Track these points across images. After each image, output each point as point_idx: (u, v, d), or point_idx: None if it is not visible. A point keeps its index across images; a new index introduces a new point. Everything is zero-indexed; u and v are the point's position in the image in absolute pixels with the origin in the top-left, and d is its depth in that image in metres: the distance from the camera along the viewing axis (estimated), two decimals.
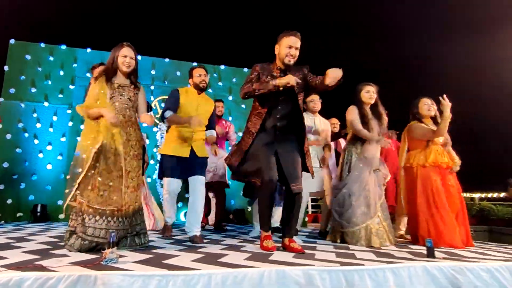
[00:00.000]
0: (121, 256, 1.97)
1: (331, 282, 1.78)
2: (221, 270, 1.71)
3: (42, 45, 5.94)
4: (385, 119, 3.37)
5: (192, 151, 3.17)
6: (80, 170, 2.33)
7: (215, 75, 6.85)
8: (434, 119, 3.54)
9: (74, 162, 2.40)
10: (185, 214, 4.90)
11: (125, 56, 2.52)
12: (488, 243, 3.51)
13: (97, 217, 2.27)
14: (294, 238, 2.76)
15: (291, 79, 2.53)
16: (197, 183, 3.14)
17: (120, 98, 2.49)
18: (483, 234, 7.52)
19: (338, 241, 3.21)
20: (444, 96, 3.24)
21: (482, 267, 2.06)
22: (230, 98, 6.84)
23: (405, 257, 2.32)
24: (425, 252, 2.35)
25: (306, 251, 2.54)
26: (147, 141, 5.58)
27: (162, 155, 3.37)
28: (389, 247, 3.00)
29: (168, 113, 3.14)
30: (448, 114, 3.23)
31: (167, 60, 6.62)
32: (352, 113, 3.34)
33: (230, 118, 6.71)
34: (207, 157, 3.35)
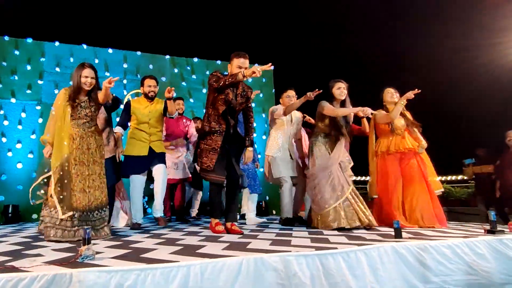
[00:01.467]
0: (97, 252, 1.96)
1: (307, 266, 1.84)
2: (200, 261, 1.72)
3: (6, 38, 5.68)
4: (352, 114, 3.67)
5: (150, 149, 3.71)
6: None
7: (188, 68, 6.78)
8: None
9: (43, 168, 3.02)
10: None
11: (86, 77, 2.92)
12: (448, 222, 3.73)
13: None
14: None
15: (256, 69, 2.80)
16: (158, 171, 3.71)
17: (79, 116, 2.94)
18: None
19: (315, 225, 3.41)
20: (416, 90, 3.58)
21: (444, 244, 2.20)
22: (204, 91, 6.80)
23: (374, 238, 2.43)
24: (393, 233, 2.47)
25: (283, 238, 2.61)
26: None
27: (124, 156, 3.74)
28: (360, 229, 3.19)
29: (117, 129, 3.77)
30: (402, 102, 3.61)
31: (139, 53, 6.49)
32: (324, 104, 3.57)
33: (204, 111, 6.68)
34: (165, 152, 3.86)
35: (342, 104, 3.61)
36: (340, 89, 3.57)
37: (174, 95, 3.55)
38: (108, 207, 3.01)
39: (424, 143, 3.73)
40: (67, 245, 2.44)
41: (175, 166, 4.51)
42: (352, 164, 3.62)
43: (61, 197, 2.76)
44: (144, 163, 3.70)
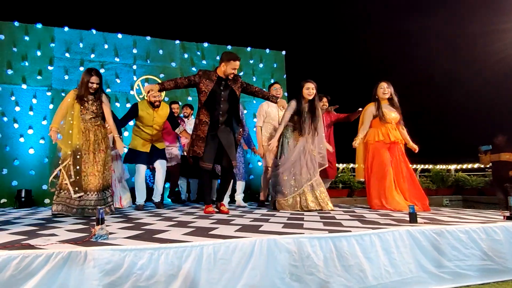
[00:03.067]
0: (110, 233, 1.97)
1: (321, 248, 1.83)
2: (213, 241, 1.72)
3: (16, 23, 5.68)
4: (320, 112, 4.02)
5: (152, 146, 4.26)
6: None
7: (198, 53, 6.72)
8: (390, 100, 4.03)
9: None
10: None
11: (92, 83, 3.49)
12: (465, 209, 3.68)
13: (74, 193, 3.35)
14: None
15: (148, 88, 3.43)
16: (158, 166, 4.30)
17: (86, 112, 3.51)
18: (457, 203, 7.81)
19: (272, 207, 3.99)
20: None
21: (460, 229, 2.15)
22: None
23: (389, 223, 2.39)
24: (407, 218, 2.43)
25: (295, 222, 2.60)
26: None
27: (129, 148, 4.30)
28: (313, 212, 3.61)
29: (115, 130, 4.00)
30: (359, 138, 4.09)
31: (148, 38, 6.44)
32: (288, 107, 3.91)
33: None
34: (164, 148, 4.44)
35: (311, 103, 3.93)
36: (309, 90, 3.88)
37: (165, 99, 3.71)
38: (108, 190, 3.57)
39: (415, 146, 4.04)
40: (81, 226, 2.46)
41: (170, 155, 5.03)
42: (322, 154, 3.98)
43: (72, 180, 3.33)
44: (147, 157, 4.23)
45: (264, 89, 3.69)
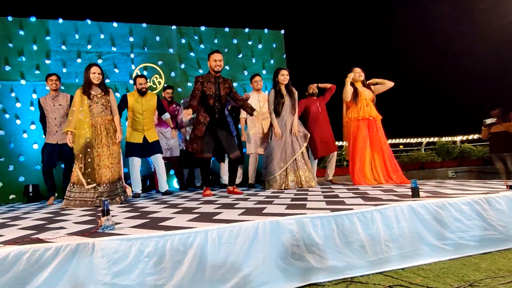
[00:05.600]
0: (117, 223, 2.01)
1: (322, 227, 1.86)
2: (217, 226, 1.75)
3: (10, 18, 5.63)
4: (295, 93, 4.56)
5: (144, 138, 4.46)
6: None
7: (195, 37, 6.64)
8: (363, 82, 4.55)
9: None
10: (176, 182, 5.93)
11: (94, 73, 3.62)
12: (469, 180, 3.69)
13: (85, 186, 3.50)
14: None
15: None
16: (156, 159, 4.59)
17: (96, 105, 3.64)
18: (463, 174, 7.81)
19: (262, 187, 4.52)
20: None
21: (463, 201, 2.17)
22: None
23: (391, 199, 2.41)
24: (410, 193, 2.45)
25: (298, 202, 2.63)
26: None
27: (126, 142, 4.51)
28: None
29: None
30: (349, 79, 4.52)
31: (144, 25, 6.36)
32: (269, 96, 4.50)
33: None
34: (158, 140, 4.60)
35: (287, 86, 4.52)
36: (284, 76, 4.46)
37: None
38: (120, 180, 3.72)
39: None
40: (88, 218, 2.52)
41: (169, 146, 5.28)
42: (302, 130, 4.53)
43: (85, 171, 3.49)
44: (141, 149, 4.48)
45: (242, 97, 4.21)
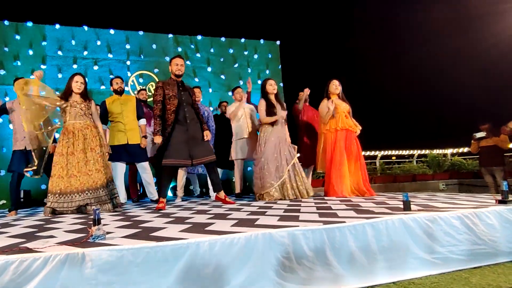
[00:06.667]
0: (108, 232, 1.99)
1: (314, 240, 1.86)
2: (208, 237, 1.75)
3: (6, 22, 5.63)
4: (284, 104, 4.58)
5: (128, 139, 4.43)
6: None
7: (192, 46, 6.68)
8: (339, 95, 4.58)
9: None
10: (170, 190, 5.95)
11: (77, 81, 3.65)
12: (459, 194, 3.73)
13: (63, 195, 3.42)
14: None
15: None
16: (142, 168, 4.61)
17: (74, 109, 3.62)
18: (454, 187, 7.88)
19: (257, 199, 4.30)
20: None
21: (453, 215, 2.19)
22: (209, 69, 6.72)
23: (383, 212, 2.43)
24: (402, 206, 2.47)
25: (291, 214, 2.63)
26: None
27: (110, 145, 4.29)
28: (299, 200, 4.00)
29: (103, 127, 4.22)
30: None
31: (141, 33, 6.39)
32: (260, 105, 4.43)
33: (210, 90, 6.63)
34: (139, 143, 4.53)
35: (276, 96, 4.51)
36: (272, 85, 4.48)
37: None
38: (109, 186, 3.62)
39: (359, 127, 4.52)
40: (79, 226, 2.49)
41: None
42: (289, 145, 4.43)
43: (60, 179, 3.41)
44: (125, 153, 4.45)
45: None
